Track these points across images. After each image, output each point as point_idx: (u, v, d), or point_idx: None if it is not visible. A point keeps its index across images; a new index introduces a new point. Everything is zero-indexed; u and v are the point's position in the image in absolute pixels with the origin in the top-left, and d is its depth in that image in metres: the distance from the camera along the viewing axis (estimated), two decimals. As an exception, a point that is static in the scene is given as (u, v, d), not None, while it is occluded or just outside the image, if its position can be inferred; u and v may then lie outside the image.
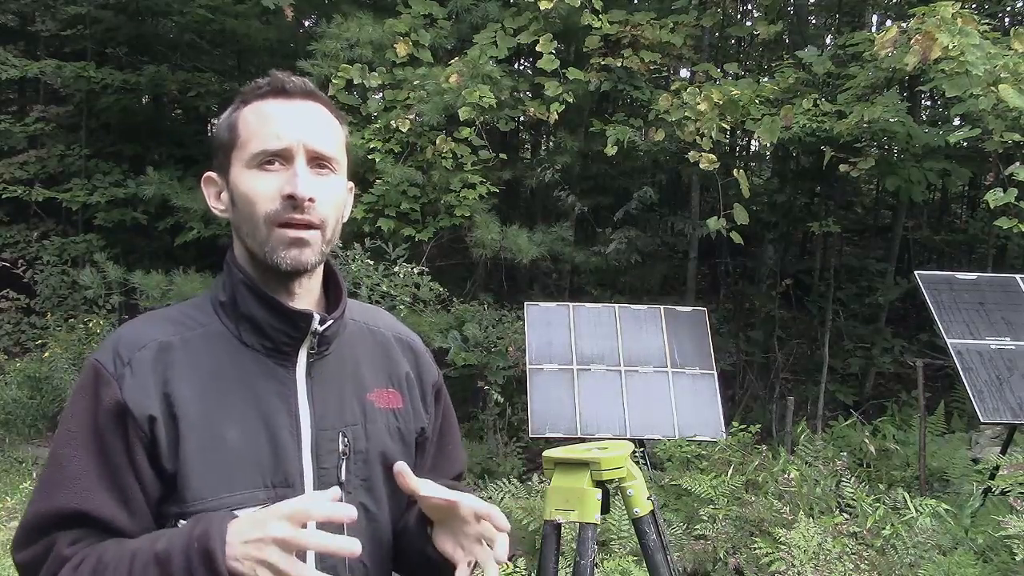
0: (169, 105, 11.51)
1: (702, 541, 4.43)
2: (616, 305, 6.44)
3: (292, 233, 1.15)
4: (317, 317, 1.20)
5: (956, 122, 6.87)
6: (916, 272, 5.69)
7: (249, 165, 1.18)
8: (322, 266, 1.26)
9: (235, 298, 1.21)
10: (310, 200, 1.15)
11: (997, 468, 4.90)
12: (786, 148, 8.45)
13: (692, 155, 6.54)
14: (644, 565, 2.29)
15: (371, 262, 6.41)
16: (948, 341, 5.11)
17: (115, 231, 9.55)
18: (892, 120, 6.04)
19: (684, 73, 9.49)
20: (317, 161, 1.19)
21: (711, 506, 4.61)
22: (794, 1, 9.44)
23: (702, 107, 6.27)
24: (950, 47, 5.02)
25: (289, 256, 1.16)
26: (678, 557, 4.33)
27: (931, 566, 3.95)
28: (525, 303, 6.36)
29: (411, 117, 6.79)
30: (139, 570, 1.04)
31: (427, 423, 1.36)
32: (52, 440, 1.19)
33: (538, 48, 7.00)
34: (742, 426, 5.73)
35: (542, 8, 6.76)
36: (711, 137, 6.44)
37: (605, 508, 2.13)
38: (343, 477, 1.20)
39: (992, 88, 5.06)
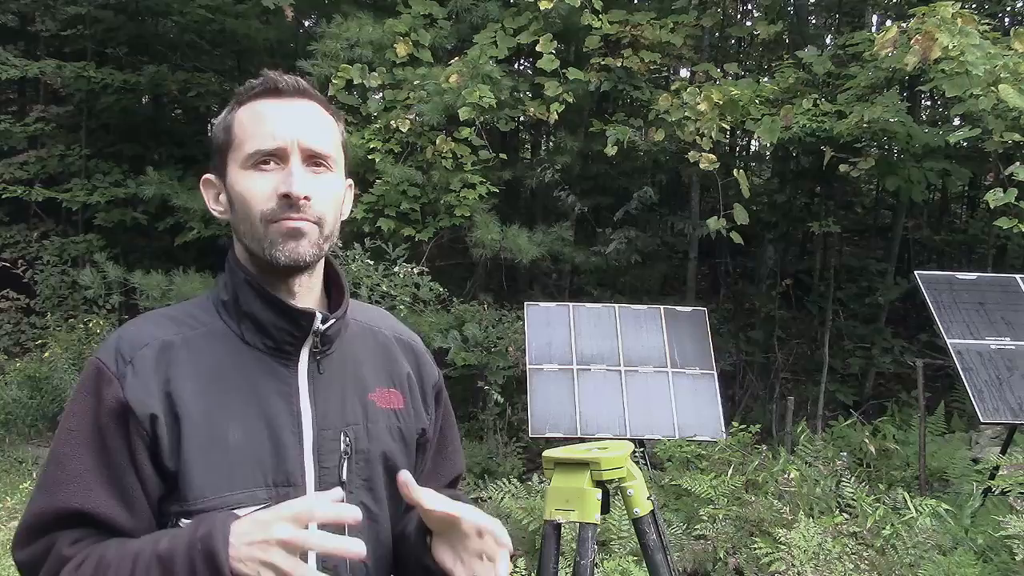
0: (169, 105, 11.51)
1: (702, 541, 4.43)
2: (616, 305, 6.44)
3: (289, 224, 1.15)
4: (319, 316, 1.20)
5: (956, 122, 6.87)
6: (916, 272, 5.68)
7: (245, 166, 1.18)
8: (323, 266, 1.26)
9: (237, 297, 1.21)
10: (305, 199, 1.15)
11: (997, 468, 4.90)
12: (786, 148, 8.45)
13: (692, 155, 6.54)
14: (644, 565, 2.30)
15: (371, 262, 6.41)
16: (948, 341, 5.11)
17: (115, 231, 9.56)
18: (892, 120, 6.04)
19: (684, 73, 9.49)
20: (312, 159, 1.19)
21: (711, 506, 4.61)
22: (794, 1, 9.44)
23: (702, 107, 6.27)
24: (950, 47, 5.02)
25: (287, 248, 1.16)
26: (678, 557, 4.33)
27: (931, 566, 3.95)
28: (525, 303, 6.36)
29: (411, 117, 6.79)
30: (142, 571, 1.03)
31: (428, 424, 1.36)
32: (53, 439, 1.19)
33: (538, 48, 7.00)
34: (742, 426, 5.73)
35: (542, 8, 6.76)
36: (711, 137, 6.44)
37: (605, 508, 2.14)
38: (344, 476, 1.20)
39: (992, 88, 5.07)
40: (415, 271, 6.59)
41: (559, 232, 7.51)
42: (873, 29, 8.40)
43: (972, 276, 5.63)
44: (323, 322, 1.21)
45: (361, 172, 6.68)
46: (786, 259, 9.94)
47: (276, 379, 1.19)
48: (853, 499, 4.58)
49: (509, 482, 5.23)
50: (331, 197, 1.21)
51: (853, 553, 4.03)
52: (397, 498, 1.25)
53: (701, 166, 6.53)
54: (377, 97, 7.13)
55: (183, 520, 1.12)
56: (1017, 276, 5.63)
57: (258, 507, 1.12)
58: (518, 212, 8.64)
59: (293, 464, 1.17)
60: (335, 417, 1.22)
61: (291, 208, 1.15)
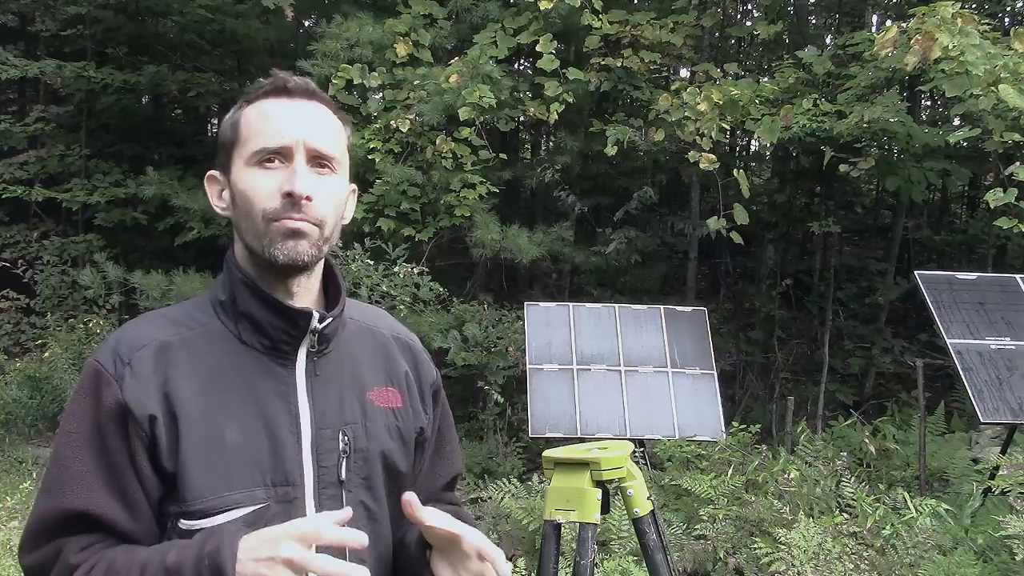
0: (169, 105, 11.51)
1: (702, 541, 4.43)
2: (616, 305, 6.44)
3: (290, 223, 1.15)
4: (316, 315, 1.20)
5: (956, 122, 6.87)
6: (916, 272, 5.69)
7: (250, 163, 1.18)
8: (321, 266, 1.26)
9: (235, 297, 1.21)
10: (307, 198, 1.15)
11: (997, 468, 4.90)
12: (786, 148, 8.45)
13: (692, 155, 6.54)
14: (644, 565, 2.30)
15: (371, 262, 6.41)
16: (948, 341, 5.11)
17: (115, 231, 9.55)
18: (892, 120, 6.04)
19: (684, 73, 9.49)
20: (317, 160, 1.19)
21: (711, 506, 4.61)
22: (794, 1, 9.44)
23: (702, 107, 6.27)
24: (950, 47, 5.02)
25: (286, 247, 1.16)
26: (678, 557, 4.33)
27: (931, 566, 3.95)
28: (525, 303, 6.36)
29: (411, 117, 6.79)
30: None
31: (426, 423, 1.36)
32: (54, 441, 1.19)
33: (538, 48, 7.00)
34: (742, 426, 5.73)
35: (542, 8, 6.76)
36: (711, 137, 6.44)
37: (605, 508, 2.14)
38: (343, 476, 1.20)
39: (992, 88, 5.07)
40: (415, 271, 6.59)
41: (559, 232, 7.51)
42: (873, 29, 8.40)
43: (972, 276, 5.63)
44: (320, 321, 1.20)
45: (361, 172, 6.68)
46: (786, 259, 9.94)
47: (274, 379, 1.19)
48: (853, 499, 4.58)
49: (509, 482, 5.23)
50: (333, 199, 1.21)
51: (853, 553, 4.03)
52: (396, 497, 1.25)
53: (701, 166, 6.53)
54: (377, 97, 7.13)
55: (182, 520, 1.12)
56: (1017, 276, 5.63)
57: (257, 507, 1.13)
58: (518, 212, 8.64)
59: (292, 463, 1.17)
60: (333, 416, 1.22)
61: (293, 207, 1.15)
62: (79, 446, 1.13)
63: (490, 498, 5.15)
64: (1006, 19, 9.51)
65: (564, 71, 7.12)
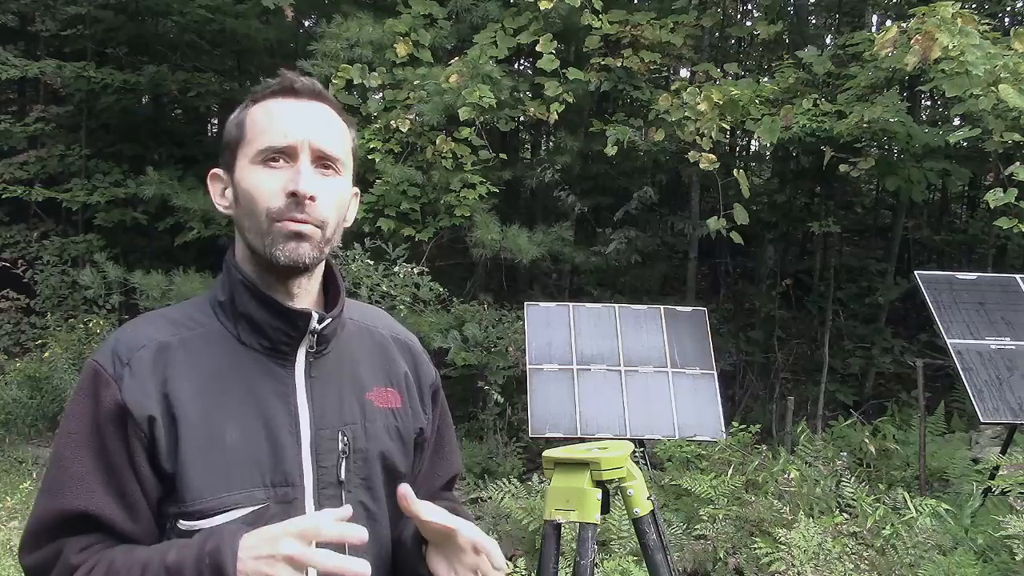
0: (169, 105, 11.51)
1: (702, 541, 4.43)
2: (616, 305, 6.44)
3: (292, 226, 1.15)
4: (315, 316, 1.20)
5: (956, 122, 6.87)
6: (916, 272, 5.68)
7: (254, 161, 1.18)
8: (322, 267, 1.26)
9: (233, 298, 1.21)
10: (311, 199, 1.15)
11: (997, 468, 4.90)
12: (786, 148, 8.45)
13: (692, 155, 6.54)
14: (644, 565, 2.30)
15: (371, 262, 6.41)
16: (948, 341, 5.11)
17: (115, 231, 9.55)
18: (892, 120, 6.04)
19: (684, 73, 9.49)
20: (322, 161, 1.19)
21: (711, 506, 4.61)
22: (794, 1, 9.44)
23: (702, 107, 6.27)
24: (950, 47, 5.02)
25: (287, 249, 1.15)
26: (678, 557, 4.33)
27: (931, 566, 3.95)
28: (525, 303, 6.36)
29: (411, 117, 6.79)
30: None
31: (425, 424, 1.36)
32: (53, 441, 1.19)
33: (538, 48, 7.00)
34: (742, 426, 5.73)
35: (542, 8, 6.76)
36: (711, 137, 6.44)
37: (605, 508, 2.13)
38: (343, 476, 1.20)
39: (992, 88, 5.07)
40: (415, 271, 6.59)
41: (559, 232, 7.51)
42: (873, 29, 8.40)
43: (972, 276, 5.63)
44: (319, 322, 1.20)
45: (361, 172, 6.65)
46: (786, 259, 9.94)
47: (273, 379, 1.19)
48: (853, 499, 4.58)
49: (509, 482, 5.23)
50: (336, 200, 1.21)
51: (853, 553, 4.03)
52: (395, 498, 1.26)
53: (701, 166, 6.53)
54: (377, 97, 7.13)
55: (182, 521, 1.12)
56: (1017, 276, 5.63)
57: (256, 507, 1.13)
58: (518, 212, 8.64)
59: (291, 464, 1.17)
60: (333, 417, 1.22)
61: (297, 207, 1.15)
62: (78, 446, 1.13)
63: (490, 498, 5.15)
64: (1006, 19, 9.51)
65: (564, 71, 7.12)
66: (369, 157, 6.66)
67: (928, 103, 10.54)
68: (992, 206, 5.35)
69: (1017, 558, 3.89)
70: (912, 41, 5.22)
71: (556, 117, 6.99)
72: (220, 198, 1.25)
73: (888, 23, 7.22)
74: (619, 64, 7.24)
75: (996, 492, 4.70)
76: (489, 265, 8.14)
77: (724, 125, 6.52)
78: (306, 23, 9.64)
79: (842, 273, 9.45)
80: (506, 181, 7.63)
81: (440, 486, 1.43)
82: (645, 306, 6.46)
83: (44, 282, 8.93)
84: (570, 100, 7.07)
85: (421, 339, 1.46)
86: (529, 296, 7.94)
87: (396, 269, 6.48)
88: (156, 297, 7.09)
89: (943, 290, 5.41)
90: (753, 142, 11.73)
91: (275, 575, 0.99)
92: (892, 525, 4.22)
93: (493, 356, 6.57)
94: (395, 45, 6.95)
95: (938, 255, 10.59)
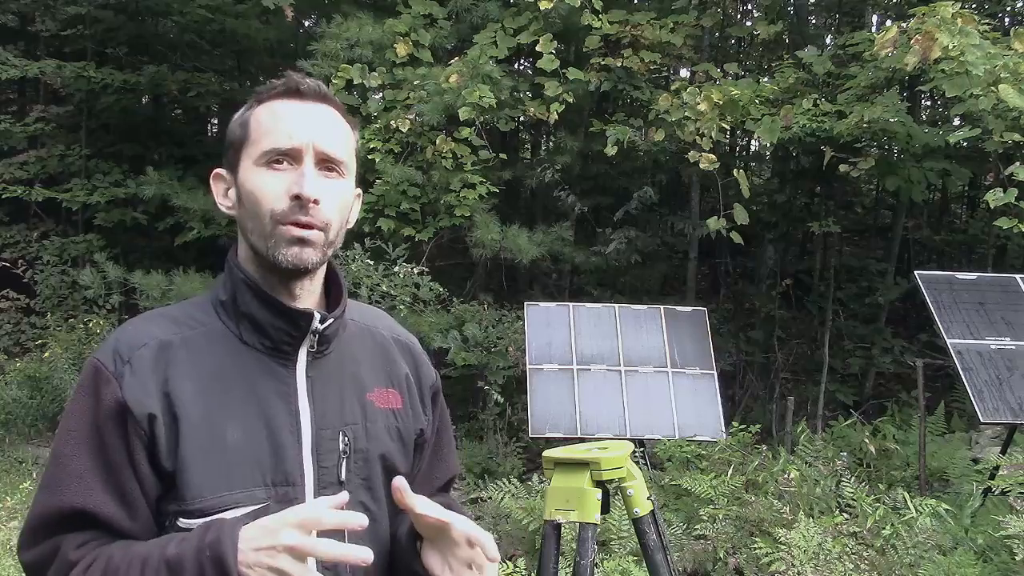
0: (169, 105, 11.51)
1: (702, 541, 4.43)
2: (616, 305, 6.44)
3: (296, 232, 1.15)
4: (318, 316, 1.20)
5: (956, 122, 6.87)
6: (916, 272, 5.69)
7: (258, 163, 1.18)
8: (324, 268, 1.26)
9: (236, 297, 1.21)
10: (315, 202, 1.15)
11: (997, 468, 4.90)
12: (786, 148, 8.45)
13: (692, 155, 6.55)
14: (644, 565, 2.30)
15: (371, 262, 6.41)
16: (948, 341, 5.11)
17: (115, 231, 9.55)
18: (892, 120, 6.05)
19: (684, 73, 9.49)
20: (326, 163, 1.19)
21: (711, 506, 4.61)
22: (794, 1, 9.44)
23: (702, 107, 6.27)
24: (950, 47, 5.02)
25: (291, 253, 1.16)
26: (678, 557, 4.33)
27: (931, 566, 3.95)
28: (525, 303, 6.36)
29: (411, 117, 6.80)
30: (150, 575, 1.04)
31: (426, 425, 1.36)
32: (53, 439, 1.19)
33: (538, 48, 7.00)
34: (742, 426, 5.73)
35: (542, 8, 6.76)
36: (711, 137, 6.44)
37: (605, 508, 2.14)
38: (343, 476, 1.20)
39: (992, 88, 5.07)
40: (415, 271, 6.59)
41: (559, 232, 7.52)
42: (873, 29, 8.40)
43: (972, 276, 5.63)
44: (321, 322, 1.21)
45: (361, 172, 6.65)
46: (786, 259, 9.94)
47: (274, 379, 1.19)
48: (853, 499, 4.58)
49: (509, 482, 5.23)
50: (340, 203, 1.21)
51: (853, 553, 4.03)
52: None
53: (701, 166, 6.53)
54: (377, 97, 7.13)
55: (181, 519, 1.12)
56: (1017, 276, 5.63)
57: (257, 507, 1.13)
58: (518, 212, 8.64)
59: (292, 464, 1.17)
60: (334, 417, 1.22)
61: (301, 210, 1.15)
62: (78, 444, 1.13)
63: (490, 498, 5.15)
64: (1006, 19, 9.51)
65: (564, 71, 7.12)
66: (369, 157, 6.67)
67: (928, 103, 10.54)
68: (992, 206, 5.35)
69: (1017, 558, 3.89)
70: (912, 41, 5.22)
71: (556, 117, 6.99)
72: (223, 198, 1.25)
73: (888, 23, 7.22)
74: (619, 64, 7.24)
75: (996, 492, 4.71)
76: (489, 265, 8.14)
77: (724, 125, 6.52)
78: (306, 23, 9.64)
79: (842, 273, 9.45)
80: (506, 181, 7.63)
81: (438, 487, 1.43)
82: (645, 306, 6.46)
83: (44, 282, 8.93)
84: (570, 100, 7.07)
85: (421, 339, 1.46)
86: (529, 296, 7.94)
87: (396, 269, 6.48)
88: (156, 297, 7.09)
89: (943, 290, 5.41)
90: (753, 142, 11.74)
91: (277, 566, 0.99)
92: (892, 525, 4.22)
93: (493, 356, 6.57)
94: (395, 45, 6.95)
95: (938, 255, 10.59)
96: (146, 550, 1.07)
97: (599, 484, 2.12)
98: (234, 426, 1.15)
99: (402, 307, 6.36)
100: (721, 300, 10.04)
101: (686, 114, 6.45)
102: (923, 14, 5.24)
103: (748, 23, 9.84)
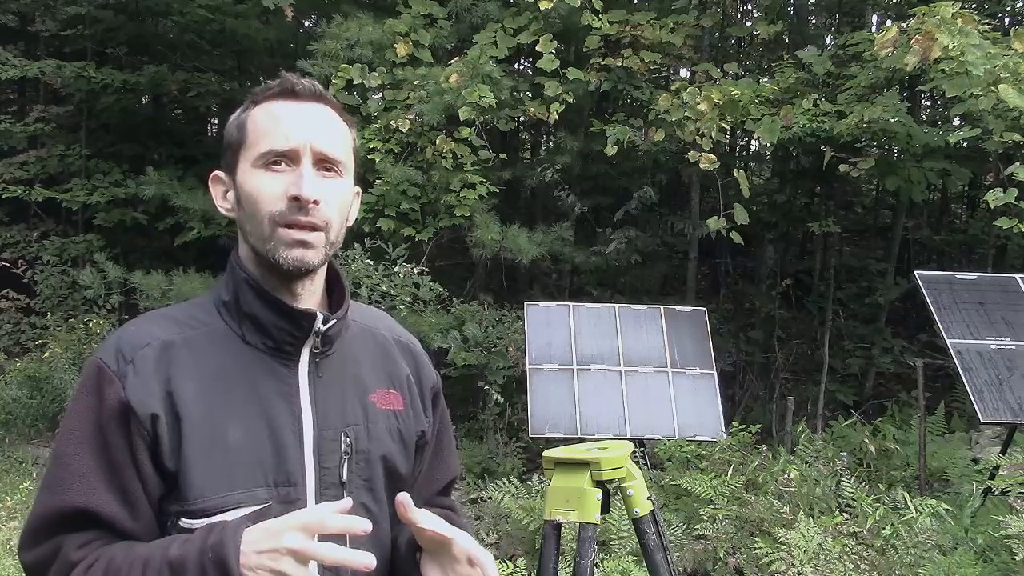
0: (169, 105, 11.51)
1: (702, 541, 4.43)
2: (616, 305, 6.44)
3: (296, 234, 1.16)
4: (320, 316, 1.20)
5: (956, 122, 6.87)
6: (916, 272, 5.69)
7: (256, 164, 1.18)
8: (325, 268, 1.26)
9: (238, 297, 1.21)
10: (314, 202, 1.15)
11: (997, 468, 4.90)
12: (786, 148, 8.45)
13: (692, 155, 6.55)
14: (644, 565, 2.30)
15: (371, 262, 6.41)
16: (948, 341, 5.11)
17: (115, 231, 9.55)
18: (892, 120, 6.05)
19: (684, 73, 9.49)
20: (324, 163, 1.19)
21: (711, 506, 4.61)
22: (794, 1, 9.44)
23: (702, 107, 6.27)
24: (950, 47, 5.02)
25: (292, 256, 1.16)
26: (678, 557, 4.33)
27: (931, 566, 3.95)
28: (525, 303, 6.36)
29: (411, 117, 6.80)
30: None
31: (427, 426, 1.36)
32: (55, 439, 1.19)
33: (538, 48, 7.00)
34: (742, 426, 5.73)
35: (542, 8, 6.76)
36: (711, 137, 6.44)
37: (605, 508, 2.14)
38: (345, 477, 1.20)
39: (992, 88, 5.07)
40: (415, 271, 6.59)
41: (559, 232, 7.52)
42: (873, 29, 8.40)
43: (972, 276, 5.63)
44: (324, 323, 1.21)
45: (361, 172, 6.64)
46: (786, 259, 9.94)
47: (277, 379, 1.19)
48: (853, 499, 4.58)
49: (509, 482, 5.23)
50: (339, 202, 1.21)
51: (853, 553, 4.03)
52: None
53: (701, 166, 6.53)
54: (377, 97, 7.13)
55: (183, 519, 1.12)
56: (1017, 276, 5.63)
57: (258, 507, 1.13)
58: (518, 212, 8.64)
59: (294, 464, 1.17)
60: (335, 417, 1.22)
61: (300, 211, 1.15)
62: (80, 443, 1.13)
63: (490, 498, 5.16)
64: (1006, 19, 9.51)
65: (564, 71, 7.12)
66: (369, 157, 6.67)
67: (928, 103, 10.54)
68: (992, 206, 5.35)
69: (1017, 558, 3.89)
70: (912, 41, 5.22)
71: (556, 117, 6.99)
72: (222, 200, 1.25)
73: (888, 23, 7.22)
74: (619, 64, 7.24)
75: (996, 492, 4.71)
76: (489, 265, 8.14)
77: (724, 125, 6.52)
78: (306, 23, 9.64)
79: (842, 273, 9.45)
80: (506, 181, 7.63)
81: (438, 489, 1.43)
82: (645, 306, 6.46)
83: (44, 282, 8.93)
84: (570, 100, 7.07)
85: (421, 339, 1.46)
86: (529, 296, 7.94)
87: (396, 269, 6.48)
88: (156, 297, 7.09)
89: (943, 290, 5.41)
90: (753, 142, 11.74)
91: (279, 568, 0.99)
92: (892, 525, 4.22)
93: (493, 356, 6.57)
94: (395, 45, 6.95)
95: (938, 255, 10.59)
96: (148, 551, 1.07)
97: (599, 484, 2.12)
98: (236, 426, 1.15)
99: (402, 307, 6.36)
100: (721, 300, 10.04)
101: (686, 114, 6.45)
102: (923, 14, 5.24)
103: (748, 23, 9.84)
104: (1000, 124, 5.36)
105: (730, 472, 5.01)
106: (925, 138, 6.54)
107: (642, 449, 5.55)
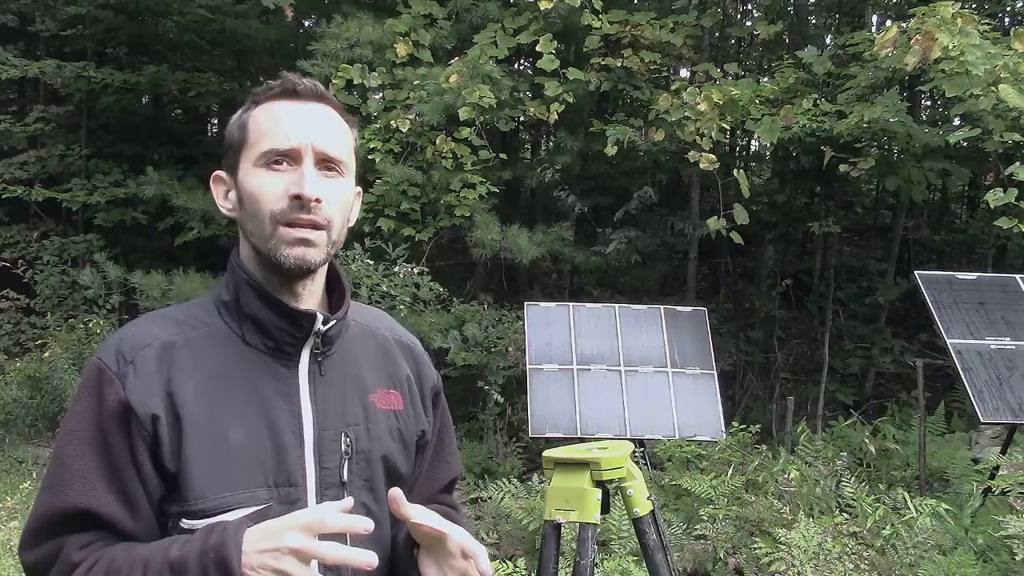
0: (169, 105, 11.51)
1: (702, 541, 4.43)
2: (616, 305, 6.44)
3: (297, 232, 1.16)
4: (320, 317, 1.20)
5: (956, 122, 6.87)
6: (916, 272, 5.69)
7: (257, 164, 1.18)
8: (326, 268, 1.26)
9: (238, 298, 1.21)
10: (316, 201, 1.15)
11: (997, 468, 4.90)
12: (786, 148, 8.45)
13: (692, 155, 6.55)
14: (644, 565, 2.30)
15: (371, 262, 6.41)
16: (948, 341, 5.11)
17: (115, 231, 9.56)
18: (892, 120, 6.05)
19: (684, 73, 9.49)
20: (325, 163, 1.19)
21: (711, 506, 4.61)
22: (794, 1, 9.44)
23: (702, 107, 6.27)
24: (950, 47, 5.03)
25: (293, 254, 1.16)
26: (678, 557, 4.33)
27: (931, 566, 3.95)
28: (525, 303, 6.36)
29: (411, 117, 6.80)
30: None
31: (427, 426, 1.36)
32: (56, 439, 1.19)
33: (538, 48, 7.00)
34: (742, 426, 5.73)
35: (542, 8, 6.76)
36: (711, 137, 6.44)
37: (605, 508, 2.14)
38: (345, 477, 1.20)
39: (992, 88, 5.07)
40: (415, 271, 6.59)
41: (559, 232, 7.52)
42: (873, 29, 8.40)
43: (972, 276, 5.63)
44: (324, 323, 1.21)
45: (361, 172, 6.64)
46: (786, 259, 9.94)
47: (277, 379, 1.19)
48: (853, 499, 4.58)
49: (509, 482, 5.23)
50: (341, 201, 1.21)
51: (853, 553, 4.03)
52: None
53: (701, 166, 6.53)
54: (377, 97, 7.13)
55: (184, 520, 1.12)
56: (1017, 276, 5.63)
57: (259, 507, 1.13)
58: (518, 212, 8.64)
59: (294, 464, 1.17)
60: (336, 418, 1.22)
61: (301, 210, 1.15)
62: (81, 444, 1.13)
63: (490, 498, 5.16)
64: (1006, 19, 9.51)
65: (564, 71, 7.12)
66: (369, 157, 6.67)
67: (928, 103, 10.54)
68: (992, 206, 5.35)
69: (1017, 558, 3.89)
70: (912, 41, 5.22)
71: (556, 117, 6.99)
72: (223, 200, 1.25)
73: (888, 23, 7.22)
74: (619, 64, 7.24)
75: (996, 492, 4.71)
76: (489, 265, 8.14)
77: (724, 125, 6.52)
78: (306, 23, 9.64)
79: (842, 273, 9.45)
80: (506, 181, 7.63)
81: (439, 489, 1.43)
82: (645, 306, 6.46)
83: (44, 282, 8.93)
84: (570, 100, 7.07)
85: (421, 339, 1.46)
86: (529, 296, 7.94)
87: (396, 269, 6.48)
88: (156, 297, 7.09)
89: (943, 290, 5.41)
90: (753, 142, 11.74)
91: (280, 568, 1.00)
92: (892, 525, 4.22)
93: (493, 356, 6.57)
94: (395, 45, 6.95)
95: (938, 255, 10.59)
96: (149, 552, 1.07)
97: (599, 484, 2.12)
98: (236, 426, 1.15)
99: (402, 307, 6.36)
100: (721, 300, 10.04)
101: (686, 114, 6.45)
102: (923, 14, 5.24)
103: (748, 23, 9.84)
104: (1000, 124, 5.36)
105: (730, 472, 5.01)
106: (925, 138, 6.54)
107: (642, 449, 5.56)
